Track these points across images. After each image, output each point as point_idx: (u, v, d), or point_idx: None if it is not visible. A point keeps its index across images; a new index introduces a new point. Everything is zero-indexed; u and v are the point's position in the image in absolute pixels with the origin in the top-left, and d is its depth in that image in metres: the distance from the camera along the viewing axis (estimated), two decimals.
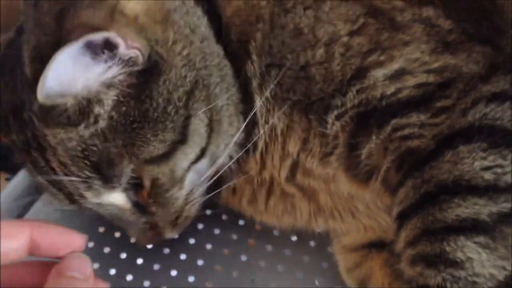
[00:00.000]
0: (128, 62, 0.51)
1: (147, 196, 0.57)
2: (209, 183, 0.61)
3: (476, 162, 0.50)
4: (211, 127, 0.57)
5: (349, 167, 0.59)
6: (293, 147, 0.61)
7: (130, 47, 0.50)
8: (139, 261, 0.73)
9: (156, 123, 0.53)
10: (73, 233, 0.50)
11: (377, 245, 0.67)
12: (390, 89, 0.55)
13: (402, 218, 0.54)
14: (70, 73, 0.49)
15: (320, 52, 0.56)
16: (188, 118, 0.55)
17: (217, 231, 0.76)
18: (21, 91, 0.54)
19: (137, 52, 0.51)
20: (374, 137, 0.56)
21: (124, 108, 0.52)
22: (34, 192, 0.84)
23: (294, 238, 0.74)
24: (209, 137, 0.57)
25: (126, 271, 0.72)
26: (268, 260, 0.72)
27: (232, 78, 0.60)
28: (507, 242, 0.48)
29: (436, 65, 0.55)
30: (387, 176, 0.57)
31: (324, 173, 0.61)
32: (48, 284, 0.46)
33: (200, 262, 0.72)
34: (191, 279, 0.70)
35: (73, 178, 0.53)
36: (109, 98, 0.52)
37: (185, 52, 0.55)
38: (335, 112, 0.56)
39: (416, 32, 0.56)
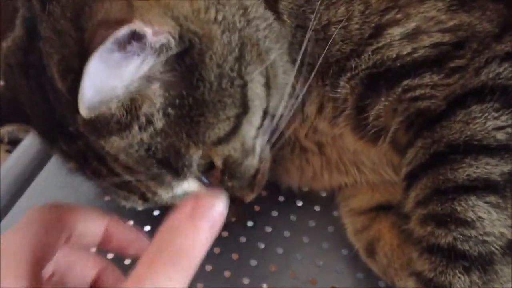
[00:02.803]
0: (161, 49, 0.46)
1: (221, 174, 0.55)
2: (275, 135, 0.59)
3: (489, 122, 0.50)
4: (269, 85, 0.54)
5: (356, 128, 0.59)
6: (311, 111, 0.61)
7: (158, 33, 0.46)
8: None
9: (215, 104, 0.50)
10: (141, 232, 0.53)
11: (385, 208, 0.67)
12: (407, 49, 0.54)
13: (411, 178, 0.54)
14: (105, 79, 0.45)
15: (341, 10, 0.55)
16: (245, 86, 0.52)
17: None
18: (58, 107, 0.50)
19: (168, 36, 0.46)
20: (383, 99, 0.55)
21: (177, 100, 0.49)
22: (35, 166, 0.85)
23: (299, 203, 0.74)
24: (268, 95, 0.55)
25: None
26: (274, 225, 0.71)
27: (277, 23, 0.56)
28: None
29: (451, 23, 0.54)
30: (396, 137, 0.57)
31: (332, 132, 0.62)
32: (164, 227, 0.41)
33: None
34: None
35: (142, 178, 0.52)
36: (156, 93, 0.48)
37: (220, 17, 0.51)
38: (348, 75, 0.56)
39: None
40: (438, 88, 0.53)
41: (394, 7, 0.55)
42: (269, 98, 0.55)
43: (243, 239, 0.71)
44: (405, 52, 0.54)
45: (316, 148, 0.66)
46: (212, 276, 0.67)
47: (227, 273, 0.68)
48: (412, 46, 0.54)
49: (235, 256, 0.69)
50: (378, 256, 0.64)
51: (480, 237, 0.49)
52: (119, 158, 0.50)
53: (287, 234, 0.71)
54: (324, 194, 0.74)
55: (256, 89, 0.53)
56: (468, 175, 0.50)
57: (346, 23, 0.55)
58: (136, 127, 0.49)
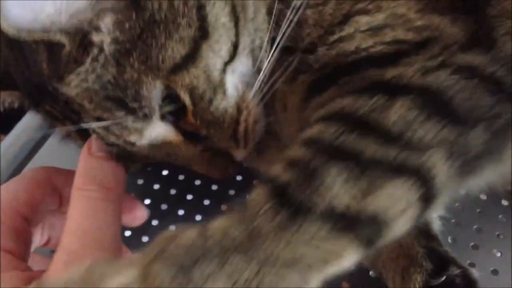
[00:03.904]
0: None
1: (193, 117, 0.53)
2: (260, 85, 0.56)
3: (400, 109, 0.46)
4: (235, 15, 0.53)
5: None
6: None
7: None
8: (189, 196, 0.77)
9: (167, 24, 0.48)
10: (138, 202, 0.58)
11: None
12: (367, 43, 0.53)
13: None
14: None
15: None
16: (202, 8, 0.50)
17: None
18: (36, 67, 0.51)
19: None
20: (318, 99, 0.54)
21: (126, 24, 0.48)
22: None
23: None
24: (236, 26, 0.53)
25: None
26: None
27: None
28: (372, 184, 0.43)
29: (419, 23, 0.53)
30: None
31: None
32: (79, 164, 0.52)
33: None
34: None
35: (105, 123, 0.51)
36: (105, 19, 0.48)
37: None
38: (301, 79, 0.55)
39: None
40: (374, 77, 0.51)
41: None
42: (238, 30, 0.53)
43: None
44: (364, 46, 0.53)
45: None
46: None
47: None
48: (373, 40, 0.53)
49: None
50: None
51: None
52: (85, 105, 0.50)
53: None
54: None
55: (217, 15, 0.51)
56: (346, 143, 0.45)
57: (321, 7, 0.55)
58: (88, 60, 0.49)
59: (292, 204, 0.42)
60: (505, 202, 0.73)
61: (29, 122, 0.87)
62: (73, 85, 0.50)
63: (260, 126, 0.58)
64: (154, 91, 0.50)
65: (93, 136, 0.54)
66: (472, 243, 0.69)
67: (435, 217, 0.67)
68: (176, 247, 0.41)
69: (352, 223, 0.42)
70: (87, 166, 0.52)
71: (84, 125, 0.52)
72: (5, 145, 0.88)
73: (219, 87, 0.53)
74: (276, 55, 0.55)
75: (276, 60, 0.56)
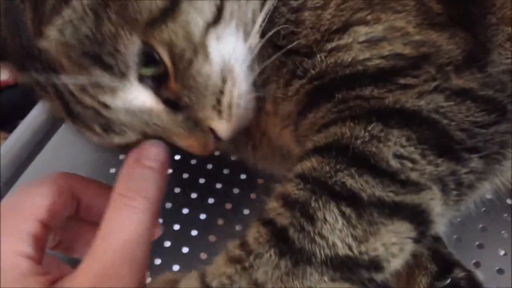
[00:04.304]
0: None
1: (175, 81, 0.51)
2: (249, 59, 0.55)
3: (395, 147, 0.47)
4: None
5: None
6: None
7: None
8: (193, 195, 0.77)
9: None
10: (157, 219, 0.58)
11: None
12: (364, 55, 0.52)
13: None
14: None
15: None
16: None
17: None
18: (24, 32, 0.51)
19: None
20: (318, 111, 0.54)
21: None
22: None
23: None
24: None
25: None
26: None
27: None
28: (370, 228, 0.45)
29: (417, 37, 0.53)
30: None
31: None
32: (123, 170, 0.52)
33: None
34: None
35: (81, 80, 0.50)
36: None
37: None
38: (299, 82, 0.55)
39: (407, 5, 0.54)
40: (371, 101, 0.51)
41: (367, 8, 0.54)
42: None
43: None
44: (361, 58, 0.52)
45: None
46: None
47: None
48: (371, 52, 0.52)
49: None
50: None
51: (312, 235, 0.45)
52: (62, 63, 0.49)
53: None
54: None
55: None
56: (344, 183, 0.46)
57: (320, 11, 0.54)
58: (67, 11, 0.48)
59: (294, 252, 0.44)
60: (510, 201, 0.73)
61: (33, 120, 0.88)
62: (51, 38, 0.49)
63: (246, 103, 0.56)
64: (131, 46, 0.48)
65: (143, 142, 0.53)
66: (477, 242, 0.69)
67: None
68: None
69: (353, 267, 0.44)
70: (132, 172, 0.51)
71: (61, 80, 0.50)
72: (8, 143, 0.88)
73: (200, 48, 0.51)
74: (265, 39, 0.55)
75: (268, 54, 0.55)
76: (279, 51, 0.55)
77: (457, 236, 0.69)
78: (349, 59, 0.52)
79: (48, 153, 0.85)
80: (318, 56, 0.53)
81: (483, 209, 0.72)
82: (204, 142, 0.54)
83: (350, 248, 0.44)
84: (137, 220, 0.49)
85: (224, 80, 0.53)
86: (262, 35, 0.55)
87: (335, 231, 0.44)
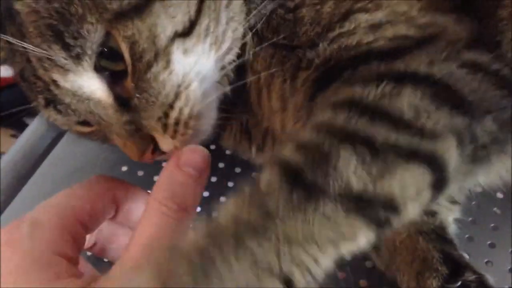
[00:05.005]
0: None
1: (131, 78, 0.51)
2: (213, 80, 0.55)
3: (410, 98, 0.46)
4: None
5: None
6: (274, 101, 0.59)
7: None
8: None
9: None
10: None
11: None
12: (368, 38, 0.52)
13: None
14: None
15: None
16: None
17: None
18: None
19: None
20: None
21: None
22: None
23: None
24: (199, 8, 0.52)
25: None
26: None
27: None
28: (385, 166, 0.43)
29: (422, 20, 0.52)
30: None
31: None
32: (162, 174, 0.51)
33: None
34: None
35: (46, 63, 0.51)
36: None
37: None
38: (304, 74, 0.55)
39: None
40: (381, 67, 0.50)
41: None
42: (201, 12, 0.52)
43: None
44: (365, 40, 0.52)
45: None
46: None
47: None
48: (374, 35, 0.52)
49: None
50: (381, 251, 0.64)
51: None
52: (29, 30, 0.50)
53: None
54: None
55: None
56: (358, 127, 0.45)
57: (318, 7, 0.54)
58: None
59: (306, 185, 0.42)
60: None
61: (41, 123, 0.88)
62: (25, 2, 0.50)
63: (201, 125, 0.55)
64: (94, 33, 0.49)
65: (186, 148, 0.53)
66: (488, 242, 0.69)
67: (451, 220, 0.67)
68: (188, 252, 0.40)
69: (368, 205, 0.42)
70: (172, 179, 0.51)
71: (23, 46, 0.51)
72: (21, 140, 0.88)
73: (162, 54, 0.51)
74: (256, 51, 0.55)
75: (270, 57, 0.56)
76: (280, 48, 0.55)
77: (468, 236, 0.69)
78: (353, 43, 0.52)
79: (61, 151, 0.86)
80: (321, 45, 0.53)
81: (494, 208, 0.72)
82: (141, 149, 0.54)
83: (365, 184, 0.42)
84: (173, 230, 0.48)
85: (177, 95, 0.53)
86: (259, 38, 0.56)
87: (349, 167, 0.42)
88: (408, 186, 0.44)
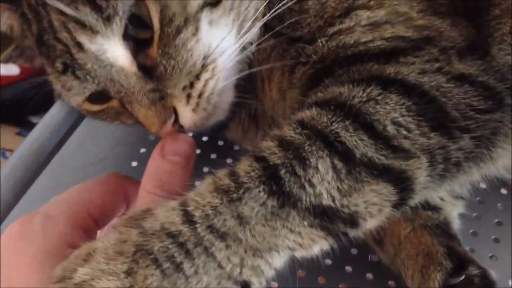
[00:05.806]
0: None
1: (157, 45, 0.51)
2: (235, 58, 0.56)
3: (394, 113, 0.47)
4: None
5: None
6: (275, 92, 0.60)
7: None
8: None
9: None
10: None
11: None
12: (367, 37, 0.53)
13: None
14: None
15: None
16: None
17: None
18: None
19: None
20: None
21: None
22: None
23: None
24: None
25: None
26: None
27: None
28: (356, 184, 0.45)
29: (420, 22, 0.54)
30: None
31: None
32: (149, 165, 0.52)
33: None
34: None
35: (70, 25, 0.51)
36: None
37: None
38: (302, 69, 0.56)
39: None
40: (372, 69, 0.51)
41: None
42: None
43: None
44: (363, 40, 0.53)
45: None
46: None
47: None
48: (373, 35, 0.53)
49: None
50: (385, 246, 0.65)
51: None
52: None
53: None
54: None
55: None
56: (338, 134, 0.46)
57: (324, 0, 0.56)
58: None
59: (282, 193, 0.44)
60: None
61: (54, 116, 0.89)
62: None
63: (221, 102, 0.57)
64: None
65: (167, 138, 0.54)
66: (493, 237, 0.69)
67: (455, 215, 0.68)
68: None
69: (331, 219, 0.45)
70: (158, 168, 0.52)
71: (51, 2, 0.51)
72: (31, 138, 0.89)
73: (192, 20, 0.52)
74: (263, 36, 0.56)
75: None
76: (281, 37, 0.56)
77: (473, 231, 0.69)
78: (351, 42, 0.53)
79: (71, 146, 0.87)
80: (319, 41, 0.55)
81: (499, 203, 0.72)
82: (162, 120, 0.54)
83: (333, 199, 0.45)
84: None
85: (204, 66, 0.53)
86: (266, 28, 0.57)
87: (323, 182, 0.45)
88: (373, 204, 0.46)
